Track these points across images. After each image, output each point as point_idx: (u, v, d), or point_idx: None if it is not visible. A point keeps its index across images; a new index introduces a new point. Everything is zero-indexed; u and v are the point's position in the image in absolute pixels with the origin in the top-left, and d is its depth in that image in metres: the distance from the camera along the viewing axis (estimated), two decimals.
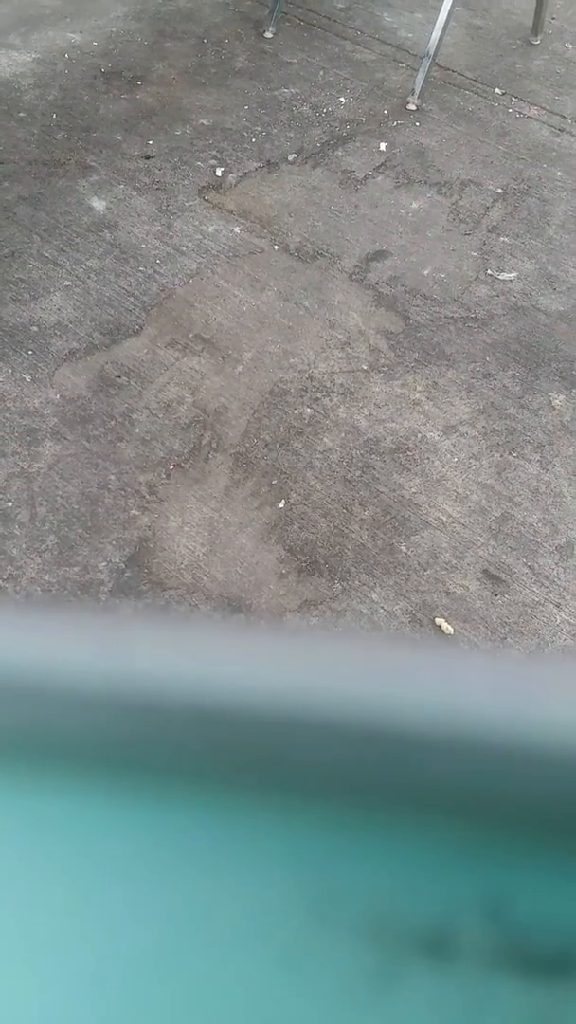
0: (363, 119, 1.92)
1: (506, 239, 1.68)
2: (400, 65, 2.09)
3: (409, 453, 1.32)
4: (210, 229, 1.63)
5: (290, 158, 1.80)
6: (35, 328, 1.43)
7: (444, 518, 1.25)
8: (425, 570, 1.19)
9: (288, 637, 0.18)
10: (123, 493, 1.24)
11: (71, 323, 1.44)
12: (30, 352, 1.40)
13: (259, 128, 1.86)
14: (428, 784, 0.16)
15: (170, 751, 0.17)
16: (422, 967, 0.16)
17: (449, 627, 1.13)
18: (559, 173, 1.84)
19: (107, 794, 0.17)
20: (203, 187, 1.71)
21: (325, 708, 0.16)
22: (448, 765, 0.16)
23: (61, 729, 0.17)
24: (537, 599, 1.17)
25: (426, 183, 1.78)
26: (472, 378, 1.43)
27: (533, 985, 0.15)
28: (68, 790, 0.17)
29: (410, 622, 1.14)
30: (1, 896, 0.17)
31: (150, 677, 0.17)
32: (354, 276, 1.58)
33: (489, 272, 1.61)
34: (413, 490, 1.27)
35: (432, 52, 1.92)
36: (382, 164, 1.81)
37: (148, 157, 1.76)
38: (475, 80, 2.07)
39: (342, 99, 1.97)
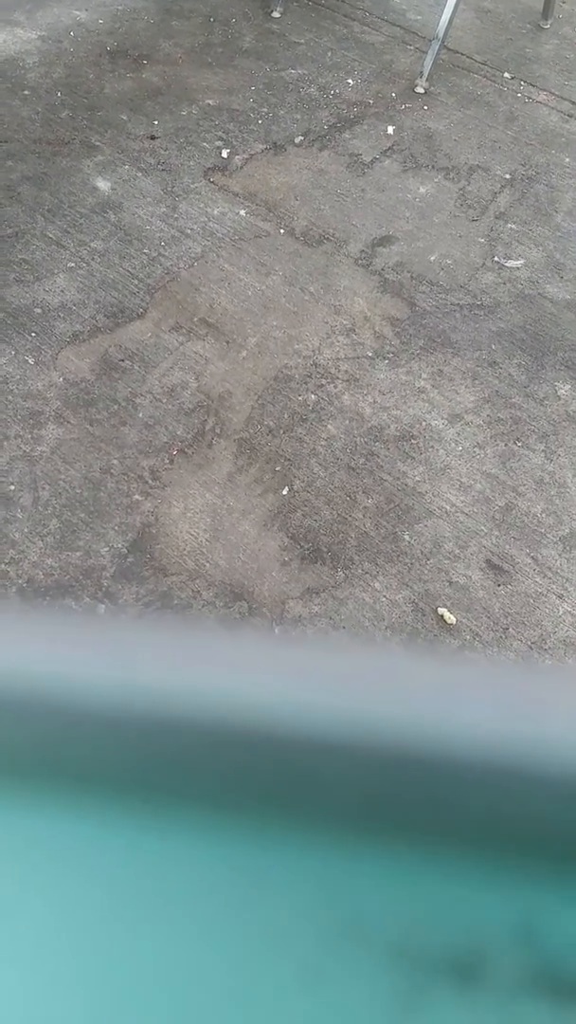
0: (371, 102, 1.90)
1: (513, 226, 1.66)
2: (409, 47, 2.07)
3: (413, 441, 1.31)
4: (215, 212, 1.61)
5: (297, 140, 1.78)
6: (38, 310, 1.42)
7: (448, 507, 1.24)
8: (428, 559, 1.19)
9: (305, 651, 0.18)
10: (126, 478, 1.23)
11: (75, 305, 1.43)
12: (33, 334, 1.39)
13: (266, 109, 1.84)
14: (450, 808, 0.16)
15: (191, 771, 0.17)
16: (448, 991, 0.15)
17: (452, 617, 1.13)
18: (567, 159, 1.82)
19: (130, 815, 0.17)
20: (209, 169, 1.70)
21: (347, 731, 0.16)
22: (470, 789, 0.15)
23: (88, 748, 0.17)
24: (540, 590, 1.17)
25: (434, 168, 1.76)
26: (478, 366, 1.42)
27: (562, 1009, 0.15)
28: (92, 811, 0.17)
29: (412, 611, 1.13)
30: (17, 917, 0.17)
31: (170, 697, 0.16)
32: (360, 261, 1.57)
33: (496, 259, 1.60)
34: (417, 478, 1.27)
35: (441, 35, 1.90)
36: (389, 148, 1.80)
37: (153, 137, 1.75)
38: (484, 64, 2.05)
39: (350, 81, 1.95)
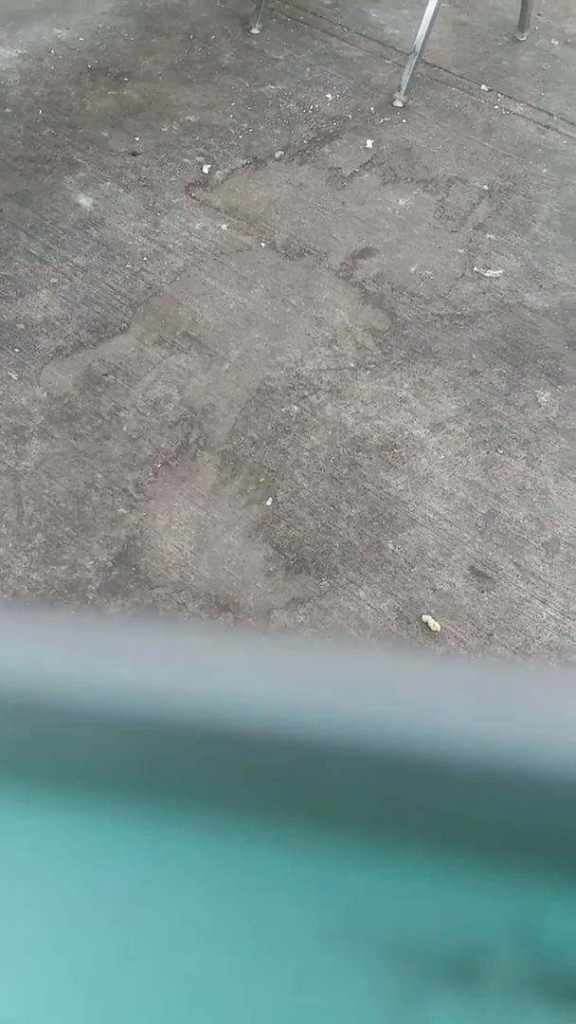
0: (350, 116, 1.92)
1: (492, 236, 1.68)
2: (387, 62, 2.09)
3: (396, 451, 1.32)
4: (197, 226, 1.63)
5: (277, 155, 1.80)
6: (21, 326, 1.43)
7: (431, 515, 1.25)
8: (412, 567, 1.19)
9: (303, 650, 0.18)
10: (110, 491, 1.24)
11: (58, 321, 1.44)
12: (16, 350, 1.39)
13: (246, 125, 1.86)
14: (449, 808, 0.16)
15: (188, 771, 0.17)
16: (448, 993, 0.15)
17: (436, 624, 1.14)
18: (545, 170, 1.84)
19: (127, 816, 0.17)
20: (190, 184, 1.71)
21: (344, 731, 0.16)
22: (470, 789, 0.16)
23: (86, 749, 0.17)
24: (523, 595, 1.18)
25: (413, 180, 1.78)
26: (459, 375, 1.44)
27: (564, 1012, 0.15)
28: (90, 812, 0.17)
29: (397, 619, 1.14)
30: (12, 921, 0.17)
31: (167, 697, 0.17)
32: (341, 273, 1.58)
33: (475, 269, 1.62)
34: (400, 487, 1.28)
35: (419, 49, 1.92)
36: (369, 161, 1.81)
37: (135, 154, 1.76)
38: (461, 77, 2.07)
39: (328, 96, 1.97)
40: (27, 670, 0.17)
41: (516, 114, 1.98)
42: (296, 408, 1.36)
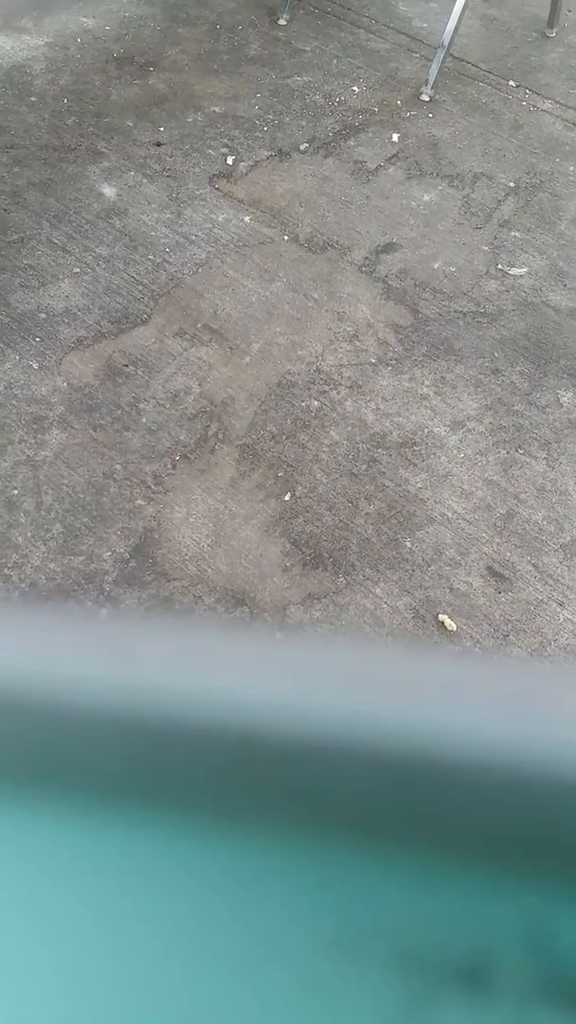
0: (376, 109, 1.91)
1: (517, 234, 1.67)
2: (414, 55, 2.07)
3: (415, 448, 1.32)
4: (220, 218, 1.62)
5: (302, 147, 1.79)
6: (43, 315, 1.43)
7: (449, 514, 1.25)
8: (429, 566, 1.19)
9: (306, 651, 0.18)
10: (129, 483, 1.24)
11: (79, 311, 1.44)
12: (37, 339, 1.39)
13: (271, 116, 1.85)
14: (458, 812, 0.15)
15: (191, 773, 0.16)
16: (456, 998, 0.15)
17: (452, 623, 1.13)
18: (572, 168, 1.82)
19: (128, 820, 0.17)
20: (214, 175, 1.70)
21: (350, 733, 0.16)
22: (478, 792, 0.15)
23: (84, 750, 0.17)
24: (541, 597, 1.17)
25: (438, 175, 1.77)
26: (480, 374, 1.43)
27: (573, 1018, 0.15)
28: (88, 816, 0.17)
29: (413, 618, 1.14)
30: (8, 926, 0.17)
31: (168, 698, 0.17)
32: (364, 268, 1.57)
33: (500, 267, 1.60)
34: (419, 485, 1.27)
35: (447, 43, 1.91)
36: (394, 155, 1.80)
37: (159, 144, 1.75)
38: (489, 72, 2.06)
39: (355, 88, 1.95)
40: (26, 671, 0.17)
41: (544, 111, 1.97)
42: (316, 403, 1.36)
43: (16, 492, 1.21)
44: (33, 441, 1.27)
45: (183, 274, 1.52)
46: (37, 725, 0.17)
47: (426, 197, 1.72)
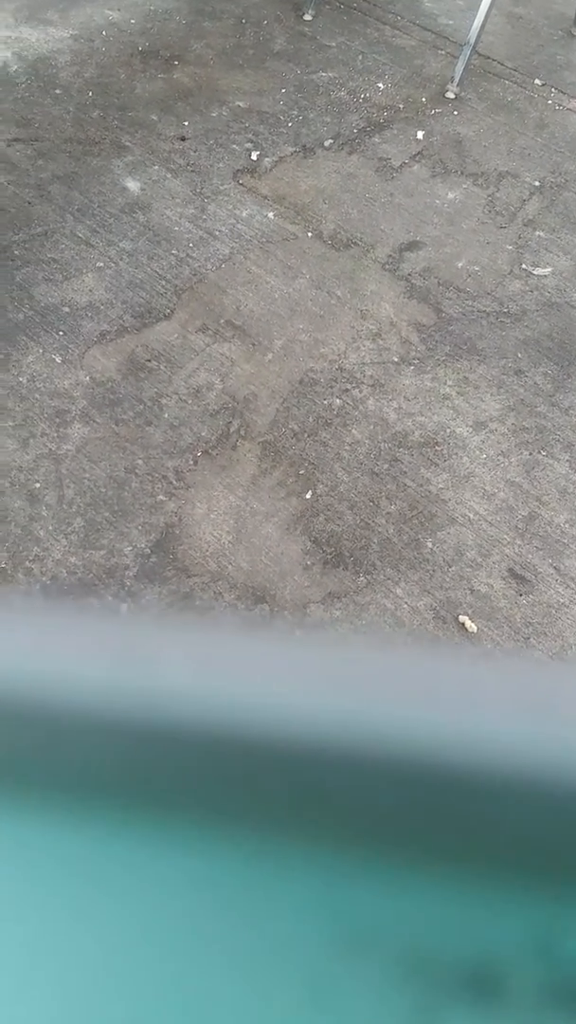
0: (401, 106, 1.90)
1: (542, 233, 1.66)
2: (440, 52, 2.06)
3: (437, 448, 1.31)
4: (244, 214, 1.62)
5: (326, 143, 1.79)
6: (66, 309, 1.43)
7: (471, 515, 1.24)
8: (450, 567, 1.19)
9: (313, 653, 0.18)
10: (150, 478, 1.24)
11: (102, 305, 1.44)
12: (61, 333, 1.40)
13: (296, 112, 1.85)
14: (467, 818, 0.15)
15: (198, 779, 0.16)
16: (464, 1006, 0.15)
17: (473, 625, 1.13)
18: None
19: (132, 825, 0.17)
20: (238, 171, 1.70)
21: (359, 739, 0.16)
22: (488, 799, 0.15)
23: (87, 754, 0.16)
24: (562, 600, 1.16)
25: (463, 174, 1.76)
26: (503, 374, 1.42)
27: None
28: (92, 821, 0.17)
29: (434, 619, 1.13)
30: (10, 933, 0.16)
31: (176, 700, 0.16)
32: (387, 266, 1.56)
33: (524, 267, 1.59)
34: (440, 485, 1.27)
35: (473, 40, 1.90)
36: (419, 153, 1.79)
37: (183, 138, 1.75)
38: (515, 70, 2.04)
39: (380, 85, 1.94)
40: (34, 671, 0.17)
41: (570, 110, 1.95)
42: (338, 401, 1.35)
43: (38, 485, 1.22)
44: (55, 435, 1.27)
45: (206, 269, 1.52)
46: (43, 727, 0.17)
47: (450, 195, 1.71)
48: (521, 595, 1.17)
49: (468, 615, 1.14)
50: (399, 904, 0.16)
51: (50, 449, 1.26)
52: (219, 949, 0.16)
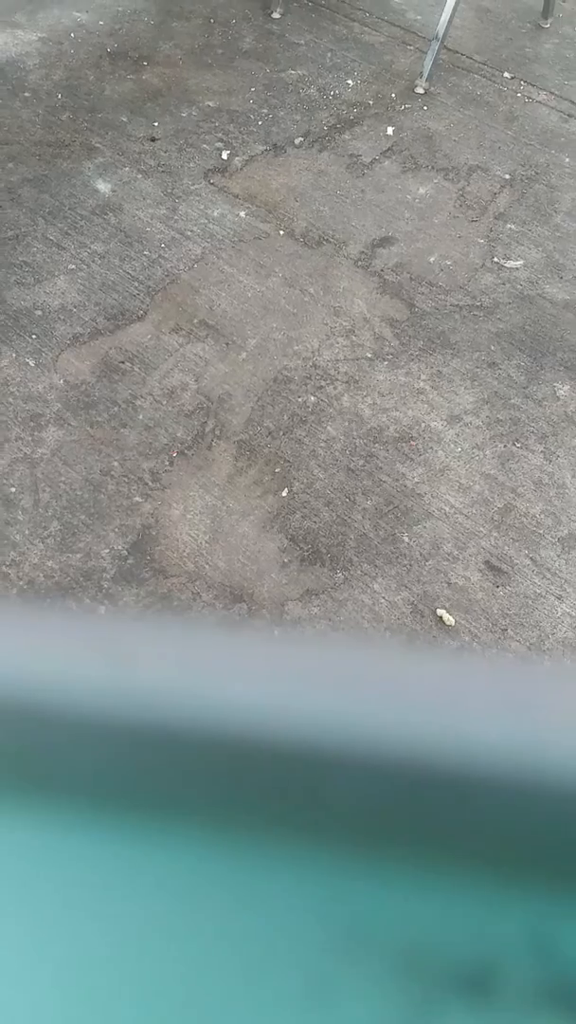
0: (370, 102, 1.90)
1: (513, 226, 1.66)
2: (408, 48, 2.07)
3: (412, 442, 1.32)
4: (215, 213, 1.62)
5: (296, 141, 1.79)
6: (39, 312, 1.43)
7: (447, 508, 1.25)
8: (427, 560, 1.19)
9: (306, 653, 0.18)
10: (126, 480, 1.24)
11: (75, 307, 1.44)
12: (34, 336, 1.39)
13: (266, 111, 1.85)
14: (461, 817, 0.15)
15: (192, 777, 0.16)
16: (459, 1004, 0.15)
17: (450, 618, 1.13)
18: (567, 159, 1.82)
19: (128, 824, 0.17)
20: (209, 170, 1.70)
21: (352, 737, 0.16)
22: (482, 797, 0.15)
23: (82, 755, 0.17)
24: (539, 591, 1.17)
25: (433, 168, 1.77)
26: (477, 367, 1.43)
27: None
28: (87, 820, 0.17)
29: (411, 613, 1.14)
30: (11, 938, 0.16)
31: (166, 701, 0.16)
32: (360, 262, 1.57)
33: (496, 260, 1.60)
34: (416, 480, 1.27)
35: (441, 35, 1.90)
36: (389, 148, 1.80)
37: (153, 139, 1.75)
38: (484, 64, 2.05)
39: (349, 82, 1.95)
40: (17, 672, 0.17)
41: (539, 102, 1.96)
42: (313, 398, 1.36)
43: (13, 490, 1.21)
44: (30, 439, 1.27)
45: (179, 270, 1.52)
46: (32, 728, 0.17)
47: (421, 190, 1.72)
48: (498, 587, 1.17)
49: (446, 608, 1.15)
50: (396, 904, 0.16)
51: (25, 453, 1.25)
52: (217, 948, 0.16)
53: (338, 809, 0.16)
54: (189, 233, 1.58)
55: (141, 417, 1.31)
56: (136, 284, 1.49)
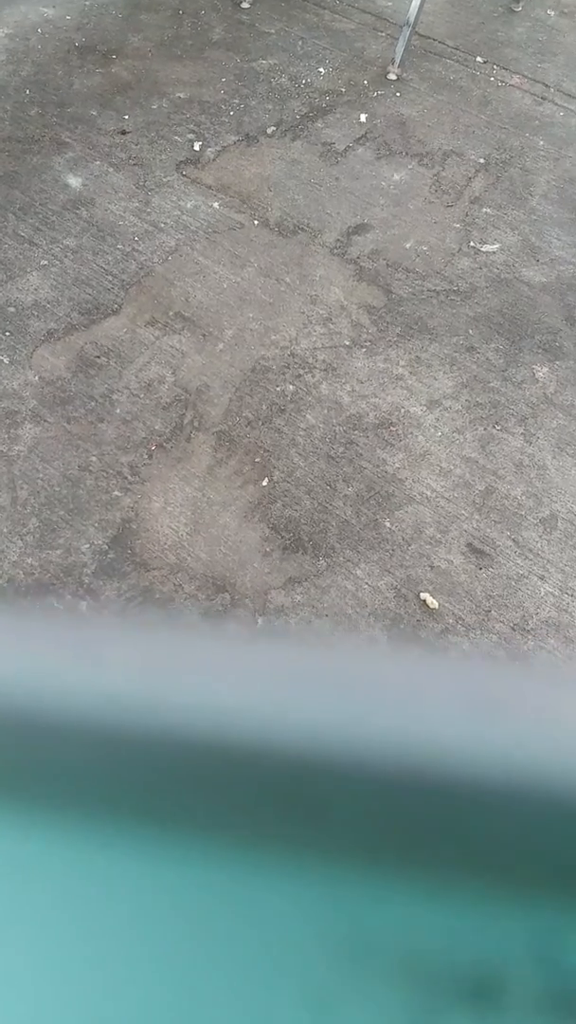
0: (343, 90, 1.89)
1: (488, 210, 1.66)
2: (380, 34, 2.06)
3: (392, 428, 1.31)
4: (189, 205, 1.61)
5: (269, 131, 1.78)
6: (12, 309, 1.41)
7: (428, 493, 1.24)
8: (409, 545, 1.19)
9: (302, 655, 0.18)
10: (105, 474, 1.23)
11: (49, 303, 1.43)
12: (7, 333, 1.38)
13: (237, 101, 1.84)
14: (466, 827, 0.15)
15: (190, 786, 0.16)
16: (463, 1013, 0.15)
17: (434, 601, 1.13)
18: (541, 142, 1.82)
19: (128, 834, 0.17)
20: (181, 162, 1.69)
21: (351, 746, 0.16)
22: (487, 808, 0.15)
23: (84, 763, 0.16)
24: (521, 572, 1.17)
25: (407, 154, 1.76)
26: (455, 352, 1.42)
27: None
28: (84, 831, 0.17)
29: (395, 597, 1.13)
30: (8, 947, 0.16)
31: (155, 704, 0.16)
32: (335, 250, 1.56)
33: (472, 244, 1.60)
34: (397, 465, 1.27)
35: (412, 20, 1.89)
36: (363, 136, 1.79)
37: (124, 132, 1.74)
38: (456, 48, 2.04)
39: (321, 70, 1.94)
40: (6, 675, 0.17)
41: (512, 86, 1.96)
42: (291, 387, 1.35)
43: None
44: (6, 436, 1.26)
45: (153, 262, 1.50)
46: (17, 734, 0.17)
47: (396, 176, 1.71)
48: (481, 569, 1.17)
49: (429, 592, 1.14)
50: (399, 912, 0.16)
51: (1, 451, 1.24)
52: (218, 958, 0.16)
53: (340, 817, 0.16)
54: (162, 225, 1.57)
55: (118, 411, 1.30)
56: (110, 278, 1.47)
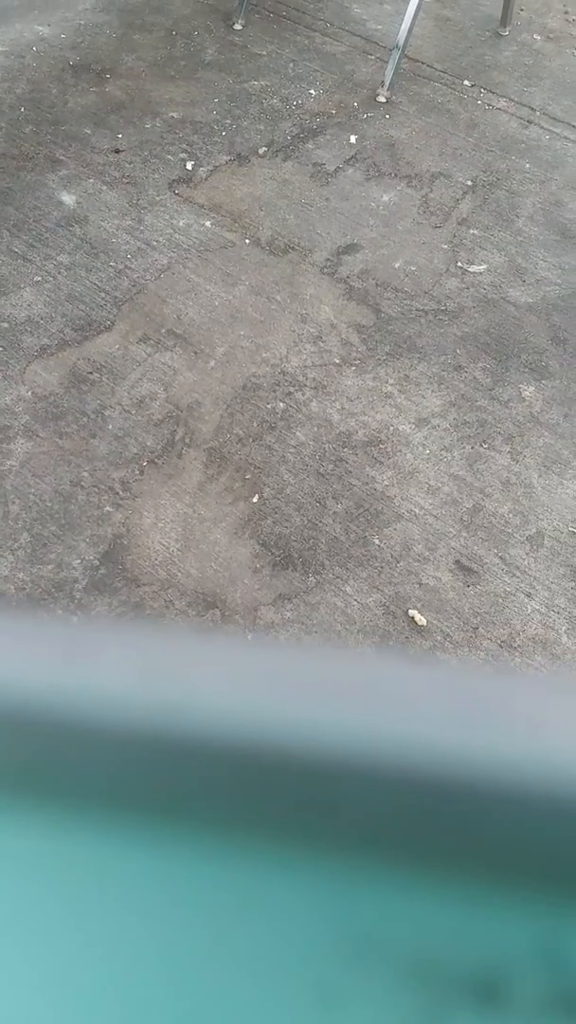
0: (333, 111, 1.92)
1: (476, 231, 1.69)
2: (370, 57, 2.09)
3: (381, 446, 1.33)
4: (181, 223, 1.63)
5: (260, 151, 1.80)
6: (5, 324, 1.42)
7: (416, 510, 1.26)
8: (398, 562, 1.20)
9: (301, 658, 0.18)
10: (96, 490, 1.24)
11: (42, 319, 1.44)
12: (1, 348, 1.39)
13: (229, 121, 1.86)
14: (470, 826, 0.15)
15: (197, 785, 0.16)
16: (469, 1013, 0.15)
17: (422, 618, 1.14)
18: (527, 165, 1.85)
19: (136, 833, 0.17)
20: (173, 181, 1.71)
21: (357, 747, 0.16)
22: (492, 808, 0.15)
23: (94, 763, 0.16)
24: (508, 589, 1.18)
25: (396, 176, 1.79)
26: (443, 371, 1.44)
27: None
28: (91, 830, 0.17)
29: (384, 614, 1.15)
30: (9, 948, 0.16)
31: (156, 708, 0.16)
32: (325, 270, 1.58)
33: (459, 264, 1.62)
34: (385, 483, 1.28)
35: (402, 44, 1.93)
36: (352, 157, 1.82)
37: (118, 151, 1.75)
38: (444, 72, 2.08)
39: (312, 91, 1.97)
40: (4, 679, 0.17)
41: (499, 109, 1.99)
42: (282, 405, 1.36)
43: None
44: None
45: (145, 280, 1.52)
46: (14, 737, 0.17)
47: (385, 197, 1.74)
48: (469, 586, 1.19)
49: (418, 609, 1.16)
50: (405, 912, 0.16)
51: None
52: (226, 956, 0.16)
53: (346, 816, 0.16)
54: (155, 243, 1.58)
55: (110, 427, 1.31)
56: (103, 295, 1.49)
